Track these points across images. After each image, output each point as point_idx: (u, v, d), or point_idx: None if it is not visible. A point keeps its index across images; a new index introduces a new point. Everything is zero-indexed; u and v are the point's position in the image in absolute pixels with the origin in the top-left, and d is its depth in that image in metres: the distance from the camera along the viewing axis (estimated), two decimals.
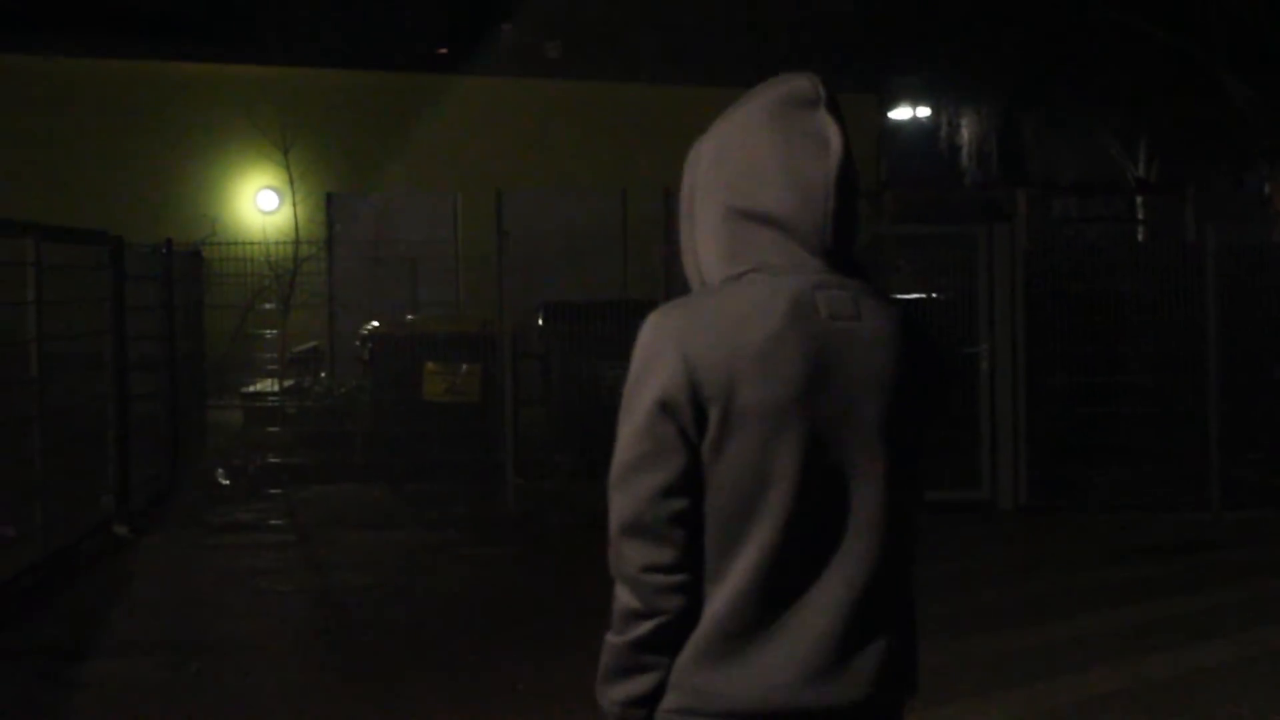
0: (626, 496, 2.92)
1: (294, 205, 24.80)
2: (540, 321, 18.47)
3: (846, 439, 2.90)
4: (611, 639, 3.01)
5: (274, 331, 21.59)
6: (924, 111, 37.38)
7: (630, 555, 2.92)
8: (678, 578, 2.90)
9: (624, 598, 2.96)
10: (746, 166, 2.99)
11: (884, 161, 35.11)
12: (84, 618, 11.11)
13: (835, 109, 3.01)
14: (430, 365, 17.83)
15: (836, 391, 2.88)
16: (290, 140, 24.90)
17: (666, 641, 2.93)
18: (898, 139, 37.55)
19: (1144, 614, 11.00)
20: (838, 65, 32.70)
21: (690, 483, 2.88)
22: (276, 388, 21.01)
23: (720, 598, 2.90)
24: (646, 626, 2.93)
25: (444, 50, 30.71)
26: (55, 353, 12.89)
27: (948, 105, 36.63)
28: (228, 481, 17.66)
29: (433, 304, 23.87)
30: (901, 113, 37.31)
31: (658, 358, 2.88)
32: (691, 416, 2.85)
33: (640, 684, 2.97)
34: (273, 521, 15.50)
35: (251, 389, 21.58)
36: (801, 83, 3.03)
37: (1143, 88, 28.98)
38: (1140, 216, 28.95)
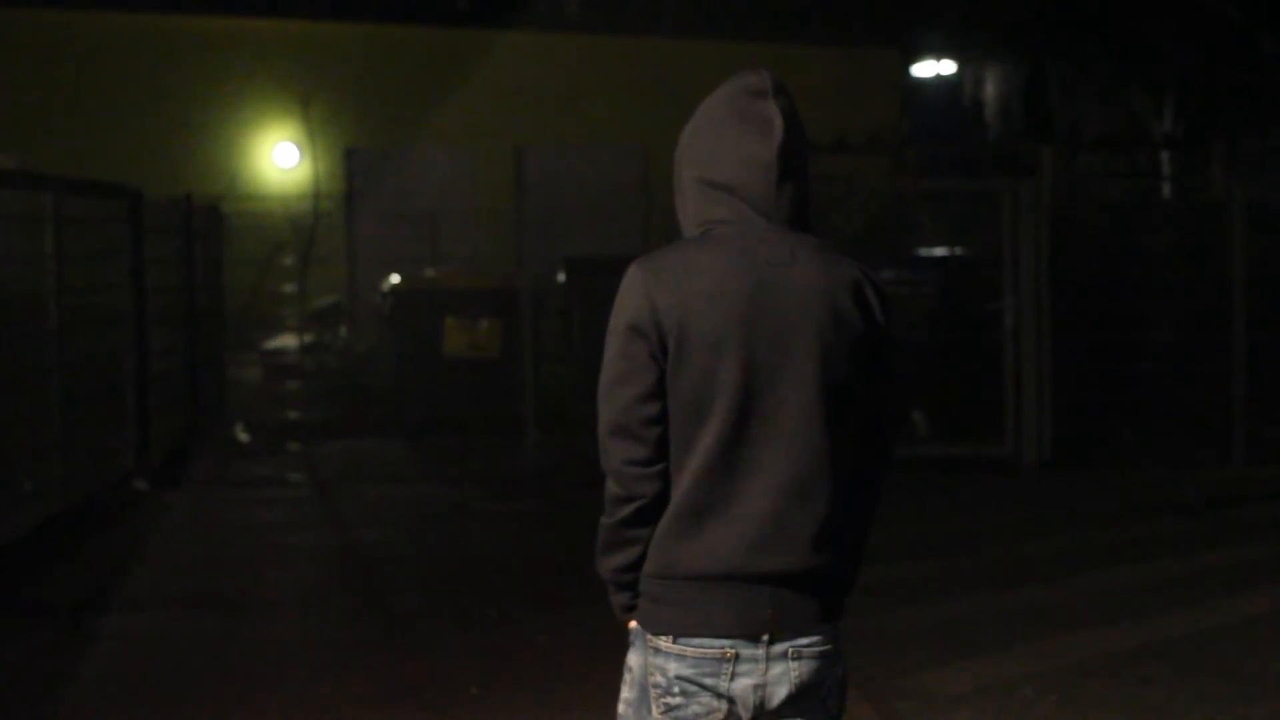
0: (609, 405, 3.69)
1: (314, 160, 24.72)
2: (563, 276, 18.40)
3: (780, 360, 3.63)
4: (603, 520, 3.75)
5: (293, 286, 21.55)
6: (948, 67, 37.16)
7: (614, 452, 3.69)
8: (652, 469, 3.67)
9: (611, 487, 3.71)
10: (709, 145, 3.78)
11: (906, 117, 34.96)
12: (103, 572, 11.08)
13: (782, 96, 3.76)
14: (450, 320, 17.78)
15: (770, 322, 3.62)
16: (310, 95, 24.82)
17: (644, 520, 3.69)
18: (921, 94, 37.35)
19: (1167, 570, 10.94)
20: (861, 19, 32.57)
21: (659, 394, 3.64)
22: (296, 343, 20.97)
23: (681, 485, 3.65)
24: (628, 509, 3.69)
25: (463, 4, 30.57)
26: (74, 307, 12.84)
27: (972, 60, 36.42)
28: (247, 437, 17.63)
29: (453, 259, 23.79)
30: (925, 68, 37.09)
31: (630, 296, 3.66)
32: (656, 342, 3.62)
33: (626, 555, 3.75)
34: (292, 476, 15.48)
35: (271, 344, 21.55)
36: (752, 78, 3.79)
37: (1170, 42, 28.78)
38: (1165, 173, 28.76)
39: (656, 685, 3.71)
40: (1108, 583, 10.56)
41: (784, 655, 3.66)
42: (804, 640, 3.67)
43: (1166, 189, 27.34)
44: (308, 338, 21.01)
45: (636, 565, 3.74)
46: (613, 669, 8.49)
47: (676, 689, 3.67)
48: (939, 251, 18.23)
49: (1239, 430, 15.03)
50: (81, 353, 13.02)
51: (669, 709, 3.68)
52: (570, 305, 17.97)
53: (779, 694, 3.67)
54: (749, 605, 3.64)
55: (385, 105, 28.41)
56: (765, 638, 3.64)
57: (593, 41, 30.73)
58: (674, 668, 3.67)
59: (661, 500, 3.68)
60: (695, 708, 3.66)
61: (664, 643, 3.69)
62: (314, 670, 8.61)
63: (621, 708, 3.84)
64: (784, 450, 3.64)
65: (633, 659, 3.82)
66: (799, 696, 3.68)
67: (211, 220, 19.11)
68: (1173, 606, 9.86)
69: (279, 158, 28.51)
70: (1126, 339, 15.71)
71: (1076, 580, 10.66)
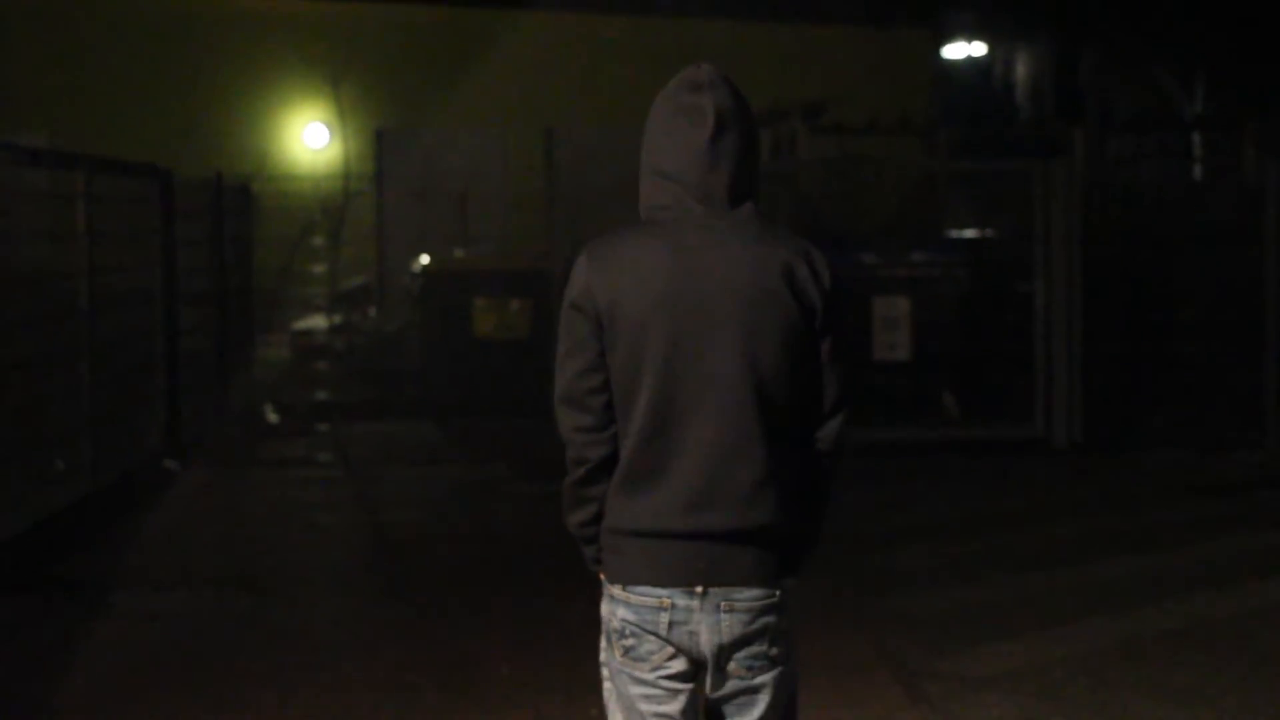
0: (559, 377, 4.10)
1: (344, 140, 24.72)
2: None
3: (704, 336, 3.96)
4: (565, 481, 4.17)
5: (323, 267, 21.57)
6: (979, 48, 37.01)
7: (564, 420, 4.12)
8: (599, 435, 4.07)
9: (568, 452, 4.13)
10: (655, 136, 4.12)
11: (937, 98, 34.83)
12: (133, 551, 11.10)
13: (719, 89, 4.08)
14: (480, 301, 17.77)
15: (693, 300, 3.95)
16: (340, 75, 24.81)
17: (595, 480, 4.10)
18: (952, 76, 37.21)
19: (1199, 553, 10.89)
20: (892, 1, 32.45)
21: (601, 366, 4.03)
22: (325, 324, 20.98)
23: (625, 450, 4.04)
24: (580, 471, 4.12)
25: None
26: (105, 286, 12.84)
27: (1003, 41, 36.27)
28: (276, 417, 17.65)
29: (482, 240, 23.77)
30: (956, 49, 36.95)
31: (575, 278, 4.04)
32: (594, 320, 4.00)
33: (584, 512, 4.19)
34: (320, 457, 15.48)
35: (300, 325, 21.57)
36: (691, 72, 4.14)
37: (1202, 22, 28.63)
38: (1197, 154, 28.63)
39: (614, 629, 4.13)
40: (1139, 565, 10.51)
41: (716, 607, 4.01)
42: (737, 593, 4.00)
43: (1197, 170, 27.22)
44: (337, 318, 21.00)
45: (594, 520, 4.17)
46: None
47: (628, 630, 4.09)
48: (970, 233, 18.17)
49: (1271, 412, 14.95)
50: (112, 332, 13.02)
51: (626, 650, 4.10)
52: None
53: (713, 641, 4.02)
54: (684, 559, 4.00)
55: (415, 86, 28.39)
56: (699, 590, 4.00)
57: (623, 21, 30.67)
58: (622, 612, 4.10)
59: (610, 462, 4.08)
60: (646, 647, 4.07)
61: (617, 590, 4.12)
62: (342, 650, 8.61)
63: (601, 654, 4.24)
64: (712, 419, 3.97)
65: (603, 607, 4.20)
66: (735, 645, 4.03)
67: (242, 200, 19.12)
68: (1205, 589, 9.82)
69: (309, 138, 28.51)
70: (1158, 320, 15.65)
71: (1107, 563, 10.62)
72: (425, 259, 19.34)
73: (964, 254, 17.04)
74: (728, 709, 4.11)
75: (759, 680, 4.07)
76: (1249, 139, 20.77)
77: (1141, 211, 16.40)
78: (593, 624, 8.93)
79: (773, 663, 4.07)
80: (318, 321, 21.35)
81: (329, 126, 27.45)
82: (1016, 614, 9.21)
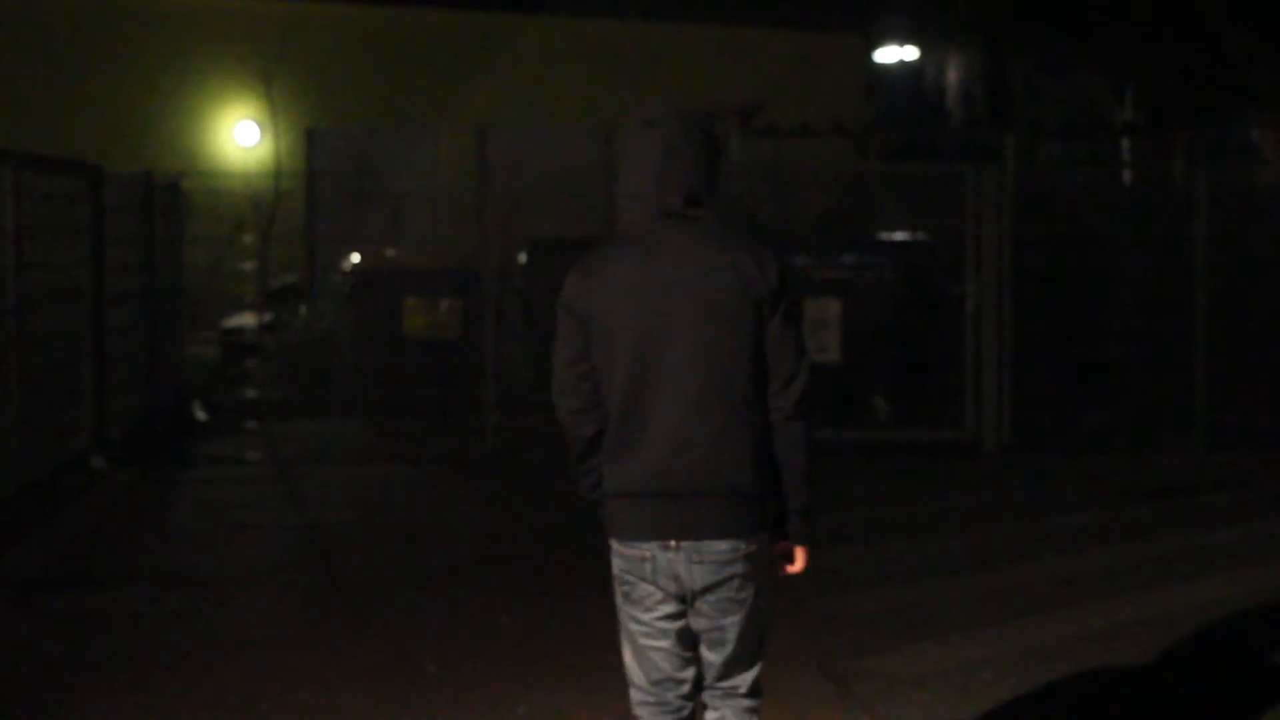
0: (554, 367, 4.96)
1: (275, 138, 24.60)
2: (523, 258, 18.33)
3: (665, 326, 4.78)
4: (569, 457, 5.01)
5: (253, 265, 21.45)
6: (911, 53, 37.16)
7: (560, 404, 4.98)
8: (588, 415, 4.92)
9: (566, 431, 4.98)
10: (622, 166, 4.97)
11: (870, 102, 34.95)
12: (60, 550, 11.02)
13: (668, 121, 4.90)
14: (411, 300, 17.70)
15: (658, 295, 4.78)
16: (271, 73, 24.69)
17: (589, 454, 4.96)
18: (884, 80, 37.35)
19: (1127, 554, 10.96)
20: (824, 5, 32.56)
21: (586, 357, 4.88)
22: (255, 322, 20.87)
23: (610, 425, 4.88)
24: (577, 448, 4.97)
25: None
26: (33, 283, 12.74)
27: (935, 46, 36.44)
28: (205, 415, 17.53)
29: (414, 239, 23.66)
30: (888, 54, 37.09)
31: (566, 285, 4.92)
32: (579, 318, 4.86)
33: (587, 480, 5.01)
34: (250, 456, 15.41)
35: (230, 323, 21.44)
36: (644, 110, 4.99)
37: (1131, 30, 28.82)
38: (1126, 160, 28.83)
39: (616, 577, 4.97)
40: (1068, 566, 10.56)
41: (688, 558, 4.81)
42: (705, 546, 4.80)
43: (1128, 176, 27.41)
44: (267, 316, 20.88)
45: (597, 486, 4.97)
46: (573, 649, 8.51)
47: (625, 578, 4.94)
48: (901, 236, 18.22)
49: (1201, 415, 15.06)
50: (40, 330, 12.92)
51: (625, 595, 4.96)
52: (531, 286, 17.89)
53: (689, 585, 4.84)
54: (658, 517, 4.82)
55: (347, 85, 28.31)
56: (672, 544, 4.81)
57: (556, 24, 30.68)
58: (618, 562, 4.94)
59: (601, 438, 4.91)
60: (639, 592, 4.92)
61: (614, 543, 4.94)
62: (274, 649, 8.56)
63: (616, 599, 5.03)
64: (678, 397, 4.78)
65: (611, 553, 4.98)
66: (705, 590, 4.84)
67: (172, 198, 18.97)
68: (1133, 590, 9.87)
69: (240, 136, 28.38)
70: (1088, 324, 15.73)
71: (1037, 564, 10.67)
72: (356, 258, 19.26)
73: (895, 257, 17.09)
74: (703, 644, 4.96)
75: (727, 621, 4.89)
76: (1178, 145, 20.94)
77: (1072, 216, 16.48)
78: (519, 622, 8.97)
79: (740, 606, 4.88)
80: (247, 319, 21.20)
81: (260, 124, 27.32)
82: (946, 615, 9.24)
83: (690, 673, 5.02)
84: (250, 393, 18.85)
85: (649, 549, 4.83)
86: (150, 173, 17.38)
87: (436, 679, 7.96)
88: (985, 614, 9.27)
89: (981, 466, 14.80)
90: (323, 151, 25.23)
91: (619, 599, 4.98)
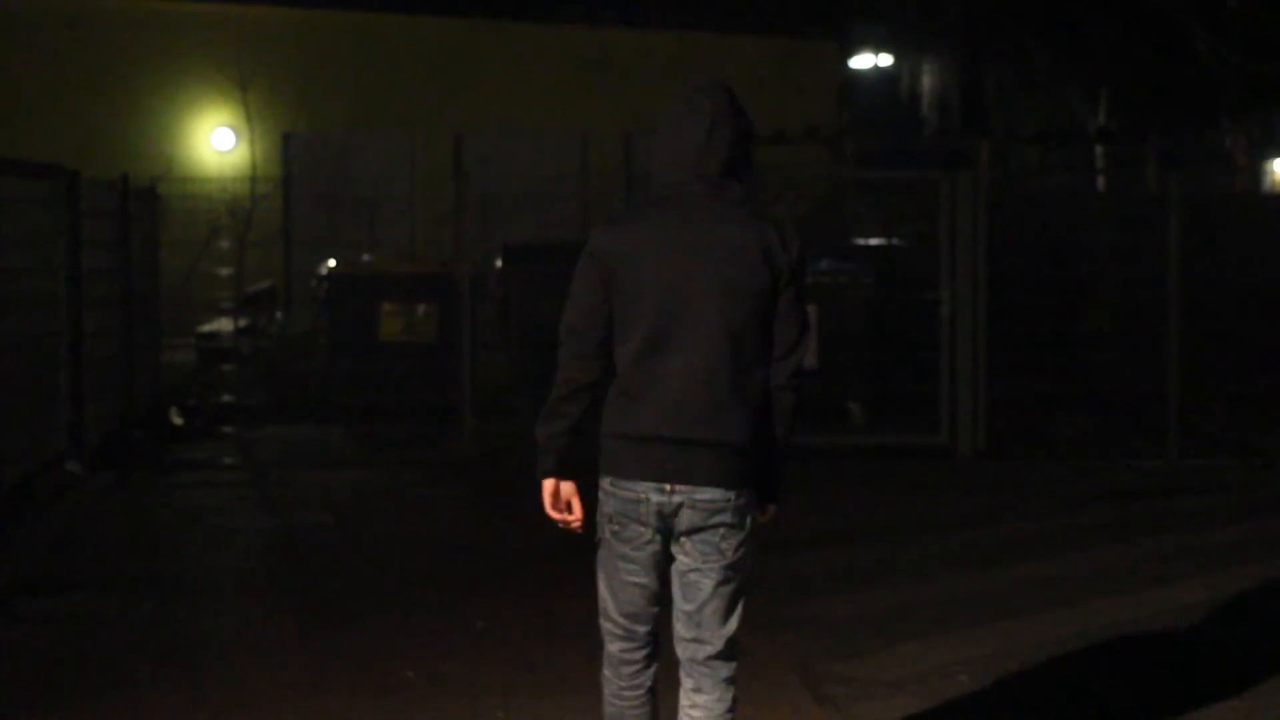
0: (568, 312, 5.21)
1: (251, 144, 24.60)
2: (499, 263, 18.35)
3: (690, 286, 5.06)
4: (550, 396, 5.22)
5: (229, 270, 21.43)
6: (886, 60, 37.25)
7: (566, 345, 5.20)
8: (588, 363, 5.18)
9: (561, 372, 5.20)
10: (665, 129, 5.25)
11: (845, 109, 35.01)
12: (37, 555, 11.01)
13: (716, 92, 5.23)
14: (387, 306, 17.72)
15: (689, 254, 5.07)
16: (248, 78, 24.67)
17: (576, 399, 5.20)
18: (859, 87, 37.43)
19: (1100, 559, 11.00)
20: (799, 11, 32.61)
21: (602, 306, 5.15)
22: (231, 327, 20.85)
23: (621, 370, 5.13)
24: (567, 389, 5.18)
25: None
26: (8, 288, 12.73)
27: (909, 54, 36.53)
28: (181, 420, 17.52)
29: (390, 245, 23.69)
30: (863, 61, 37.18)
31: (593, 238, 5.20)
32: (603, 268, 5.12)
33: (556, 425, 5.23)
34: (226, 460, 15.40)
35: (206, 328, 21.42)
36: (697, 79, 5.31)
37: (1106, 38, 28.94)
38: (1099, 167, 28.95)
39: (604, 513, 5.21)
40: (1042, 571, 10.60)
41: (681, 503, 5.10)
42: (698, 493, 5.09)
43: (1101, 183, 27.52)
44: (243, 321, 20.87)
45: (562, 434, 5.22)
46: (549, 653, 8.53)
47: (616, 517, 5.19)
48: (876, 242, 18.27)
49: (1174, 421, 15.12)
50: (15, 334, 12.90)
51: (614, 532, 5.21)
52: (507, 292, 17.90)
53: (678, 527, 5.14)
54: (658, 461, 5.09)
55: (323, 90, 28.29)
56: (668, 487, 5.09)
57: (532, 30, 30.68)
58: (612, 503, 5.19)
59: (593, 387, 5.19)
60: (629, 531, 5.18)
61: (607, 483, 5.18)
62: (250, 654, 8.57)
63: (597, 530, 5.27)
64: (693, 350, 5.05)
65: (599, 494, 5.23)
66: (693, 532, 5.14)
67: (148, 203, 18.95)
68: (1108, 593, 9.92)
69: (216, 141, 28.36)
70: (1062, 330, 15.78)
71: (1011, 568, 10.71)
72: (332, 263, 19.26)
73: (870, 262, 17.14)
74: (679, 586, 5.24)
75: (706, 566, 5.17)
76: (1151, 153, 21.04)
77: (1046, 223, 16.54)
78: (496, 628, 8.99)
79: (721, 555, 5.16)
80: (223, 324, 21.19)
81: (236, 129, 27.30)
82: (922, 618, 9.27)
83: (657, 610, 5.30)
84: (226, 398, 18.84)
85: (645, 489, 5.11)
86: (126, 177, 17.35)
87: (415, 684, 7.97)
88: (961, 617, 9.31)
89: (956, 471, 14.84)
90: (299, 156, 25.30)
91: (606, 536, 5.23)
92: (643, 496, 5.11)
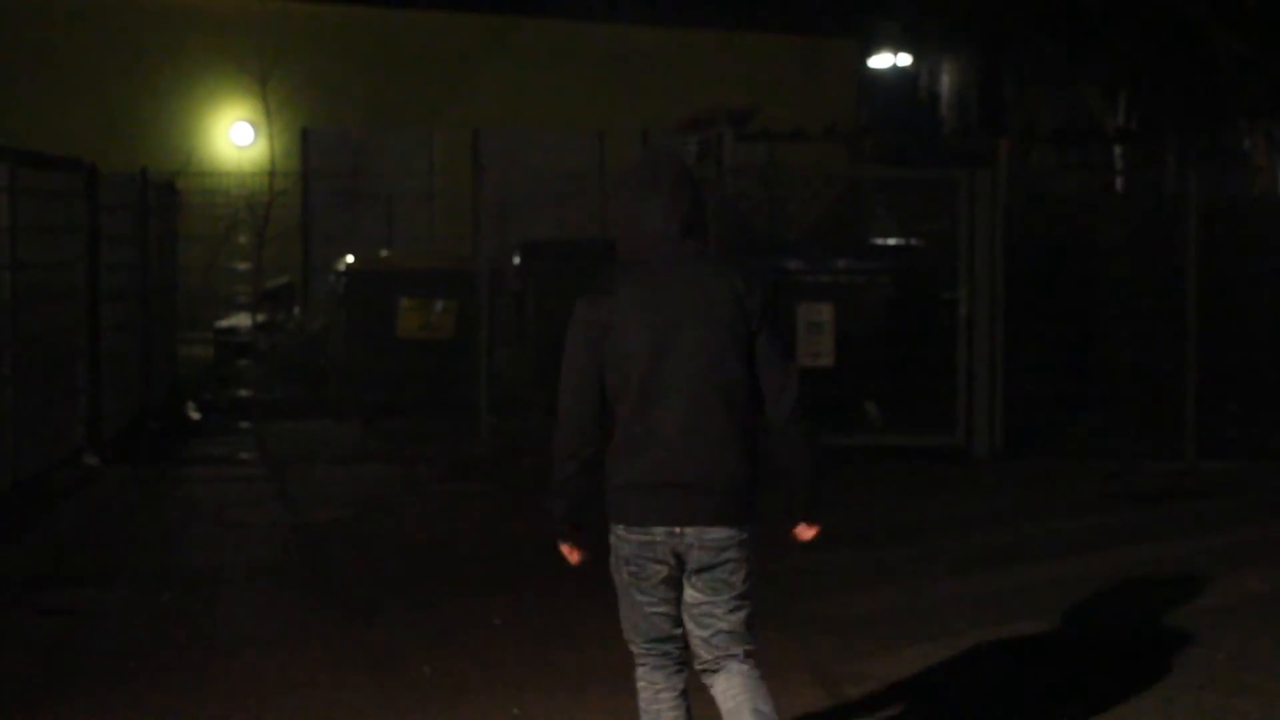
0: (563, 389, 5.51)
1: (270, 139, 24.62)
2: (517, 260, 18.35)
3: (673, 341, 5.41)
4: (555, 475, 5.56)
5: (247, 265, 21.46)
6: (905, 59, 37.21)
7: (566, 424, 5.52)
8: (590, 432, 5.47)
9: (564, 446, 5.52)
10: (626, 201, 5.64)
11: (863, 108, 34.98)
12: (53, 547, 11.04)
13: (671, 162, 5.73)
14: (405, 301, 17.73)
15: (664, 309, 5.43)
16: (267, 73, 24.71)
17: (583, 471, 5.52)
18: (877, 86, 37.40)
19: (1117, 560, 10.98)
20: (819, 10, 32.59)
21: (597, 369, 5.46)
22: (249, 322, 20.88)
23: (620, 423, 5.45)
24: (574, 465, 5.52)
25: None
26: (28, 281, 12.76)
27: (928, 53, 36.49)
28: (198, 415, 17.56)
29: (408, 240, 23.72)
30: (882, 60, 37.14)
31: (579, 310, 5.50)
32: (596, 332, 5.44)
33: (566, 502, 5.60)
34: (243, 455, 15.43)
35: (224, 323, 21.45)
36: (650, 153, 5.60)
37: (1124, 37, 28.89)
38: (1118, 167, 28.90)
39: (620, 557, 5.54)
40: (1057, 572, 10.58)
41: (691, 543, 5.43)
42: (706, 533, 5.43)
43: (1119, 183, 27.46)
44: (261, 316, 20.89)
45: (576, 510, 5.62)
46: (565, 651, 8.53)
47: (632, 561, 5.50)
48: (894, 241, 18.25)
49: (1191, 422, 15.09)
50: (34, 327, 12.94)
51: (633, 574, 5.53)
52: (524, 288, 17.90)
53: (689, 565, 5.46)
54: (666, 506, 5.42)
55: (343, 85, 28.33)
56: (677, 530, 5.42)
57: (552, 26, 30.69)
58: (626, 548, 5.51)
59: (595, 454, 5.51)
60: (647, 571, 5.51)
61: (621, 530, 5.51)
62: (266, 649, 8.59)
63: (611, 567, 5.60)
64: (683, 401, 5.41)
65: (611, 538, 5.55)
66: (701, 570, 5.47)
67: (166, 197, 18.99)
68: (1122, 597, 9.91)
69: (236, 136, 28.40)
70: (1079, 330, 15.75)
71: (1027, 568, 10.71)
72: (350, 258, 19.27)
73: (888, 261, 17.11)
74: (691, 618, 5.55)
75: (717, 598, 5.50)
76: (1170, 152, 20.99)
77: (1064, 222, 16.52)
78: (514, 624, 9.01)
79: (730, 588, 5.50)
80: (241, 319, 21.22)
81: (255, 124, 27.34)
82: (937, 618, 9.27)
83: (682, 629, 5.62)
84: (244, 392, 18.87)
85: (657, 533, 5.43)
86: (146, 171, 17.40)
87: (431, 680, 7.99)
88: (976, 617, 9.31)
89: (973, 472, 14.82)
90: (318, 152, 25.35)
91: (624, 578, 5.55)
92: (656, 539, 5.45)
